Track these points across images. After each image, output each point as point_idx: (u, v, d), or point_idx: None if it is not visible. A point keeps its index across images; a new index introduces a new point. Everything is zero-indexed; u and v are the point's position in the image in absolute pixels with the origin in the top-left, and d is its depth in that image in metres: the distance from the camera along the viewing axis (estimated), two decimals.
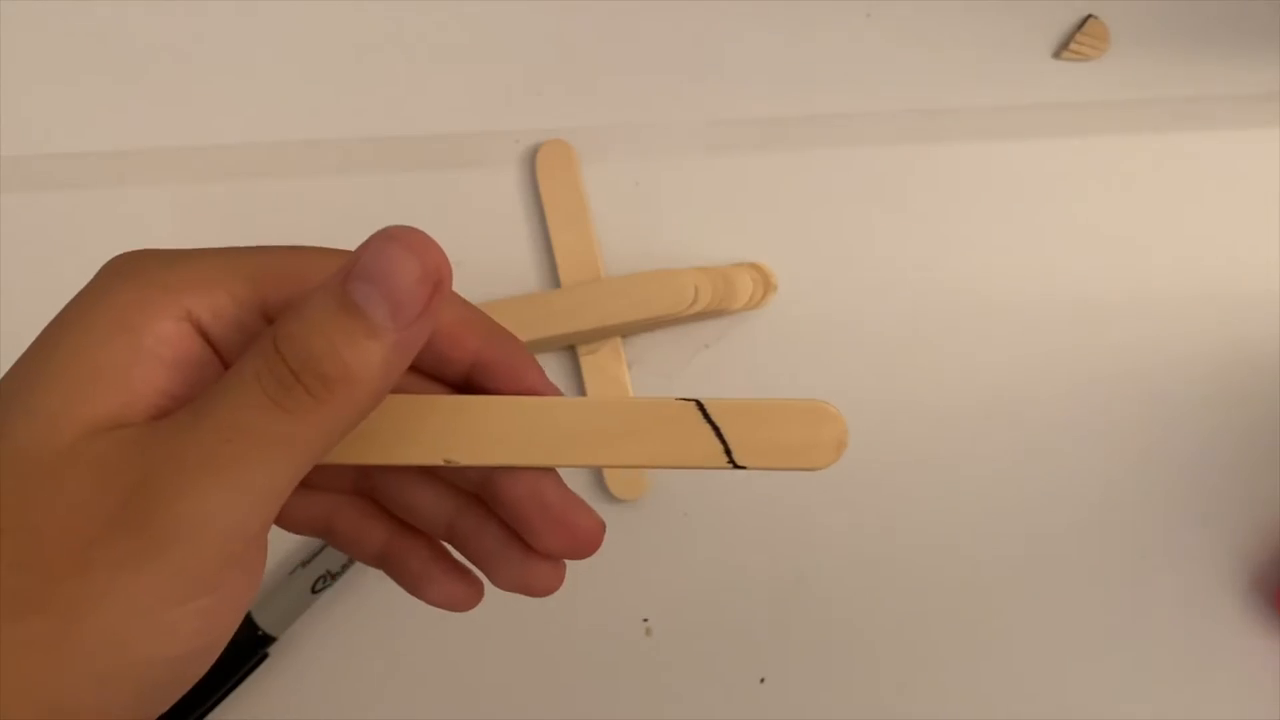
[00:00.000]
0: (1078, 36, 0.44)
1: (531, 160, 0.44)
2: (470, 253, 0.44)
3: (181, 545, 0.19)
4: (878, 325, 0.44)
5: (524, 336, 0.41)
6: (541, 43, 0.45)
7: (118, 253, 0.22)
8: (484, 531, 0.25)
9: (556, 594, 0.25)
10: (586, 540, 0.24)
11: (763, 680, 0.42)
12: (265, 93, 0.45)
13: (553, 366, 0.44)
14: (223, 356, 0.22)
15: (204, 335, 0.22)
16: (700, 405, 0.24)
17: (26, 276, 0.45)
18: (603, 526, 0.25)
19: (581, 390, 0.43)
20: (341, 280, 0.20)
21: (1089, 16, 0.44)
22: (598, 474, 0.43)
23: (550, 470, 0.24)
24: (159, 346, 0.21)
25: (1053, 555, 0.43)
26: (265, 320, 0.23)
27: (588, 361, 0.43)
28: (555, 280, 0.44)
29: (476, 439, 0.24)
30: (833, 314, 0.44)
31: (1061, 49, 0.44)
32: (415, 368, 0.24)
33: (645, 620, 0.43)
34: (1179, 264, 0.44)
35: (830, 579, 0.43)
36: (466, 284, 0.44)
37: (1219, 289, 0.43)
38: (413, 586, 0.26)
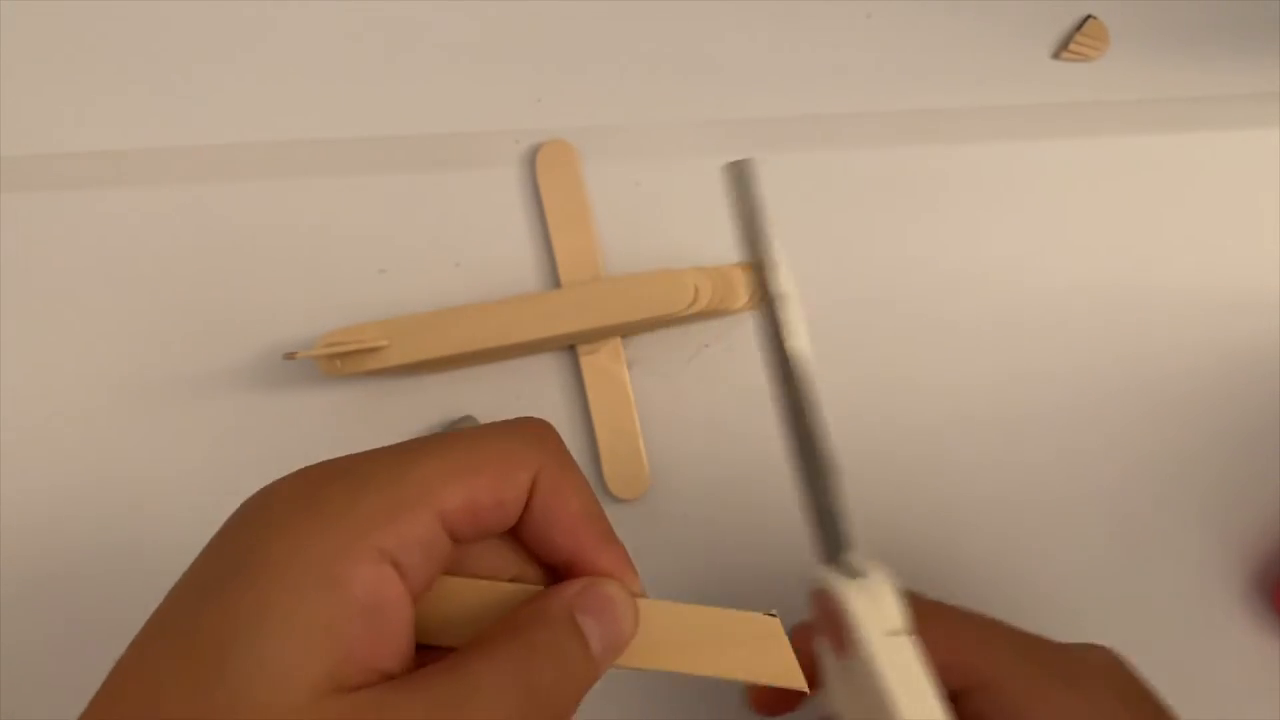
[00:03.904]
0: (1078, 37, 0.44)
1: (532, 160, 0.44)
2: (470, 253, 0.44)
3: None
4: (878, 325, 0.44)
5: (524, 337, 0.41)
6: (542, 43, 0.45)
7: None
8: None
9: None
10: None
11: None
12: (265, 92, 0.45)
13: (553, 366, 0.44)
14: (409, 582, 0.23)
15: (395, 568, 0.23)
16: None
17: (26, 276, 0.45)
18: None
19: (582, 391, 0.43)
20: (570, 609, 0.24)
21: (1089, 17, 0.44)
22: (597, 474, 0.43)
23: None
24: (364, 596, 0.22)
25: (1051, 554, 0.43)
26: (447, 531, 0.24)
27: (588, 361, 0.43)
28: (555, 280, 0.44)
29: None
30: (833, 314, 0.44)
31: (1061, 49, 0.44)
32: (520, 542, 0.26)
33: None
34: (1178, 264, 0.44)
35: None
36: (466, 284, 0.45)
37: (1219, 289, 0.43)
38: None
